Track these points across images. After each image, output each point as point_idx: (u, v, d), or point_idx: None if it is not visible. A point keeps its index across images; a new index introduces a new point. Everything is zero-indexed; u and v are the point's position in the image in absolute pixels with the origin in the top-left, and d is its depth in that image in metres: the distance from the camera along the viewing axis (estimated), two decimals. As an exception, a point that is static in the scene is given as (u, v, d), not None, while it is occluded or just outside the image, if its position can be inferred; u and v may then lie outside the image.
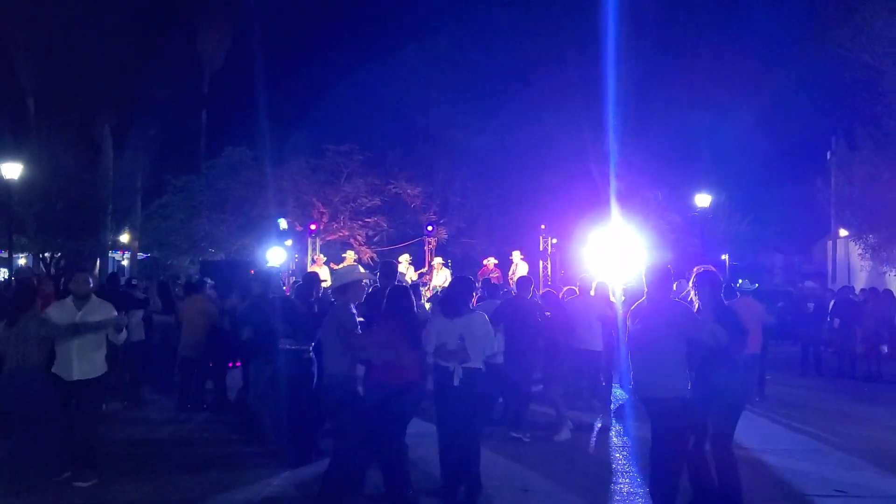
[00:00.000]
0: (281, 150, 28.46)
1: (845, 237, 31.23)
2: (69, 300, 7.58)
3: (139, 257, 32.94)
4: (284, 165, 28.30)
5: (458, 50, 32.12)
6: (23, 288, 7.88)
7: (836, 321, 16.34)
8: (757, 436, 9.23)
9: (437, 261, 20.56)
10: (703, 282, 6.50)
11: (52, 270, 25.50)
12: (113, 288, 12.05)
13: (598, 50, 23.07)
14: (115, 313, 7.53)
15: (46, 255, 26.27)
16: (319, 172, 28.85)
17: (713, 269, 6.80)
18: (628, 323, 6.64)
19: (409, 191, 29.39)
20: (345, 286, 6.91)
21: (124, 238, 33.67)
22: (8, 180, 22.50)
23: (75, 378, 7.20)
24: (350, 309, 6.79)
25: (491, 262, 19.76)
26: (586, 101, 25.70)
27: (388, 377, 6.47)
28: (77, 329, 7.22)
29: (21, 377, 7.01)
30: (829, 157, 29.76)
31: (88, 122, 28.99)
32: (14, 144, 25.01)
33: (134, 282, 16.20)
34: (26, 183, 24.19)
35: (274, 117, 28.36)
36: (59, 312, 7.41)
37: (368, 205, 28.86)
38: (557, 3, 28.30)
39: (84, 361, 7.25)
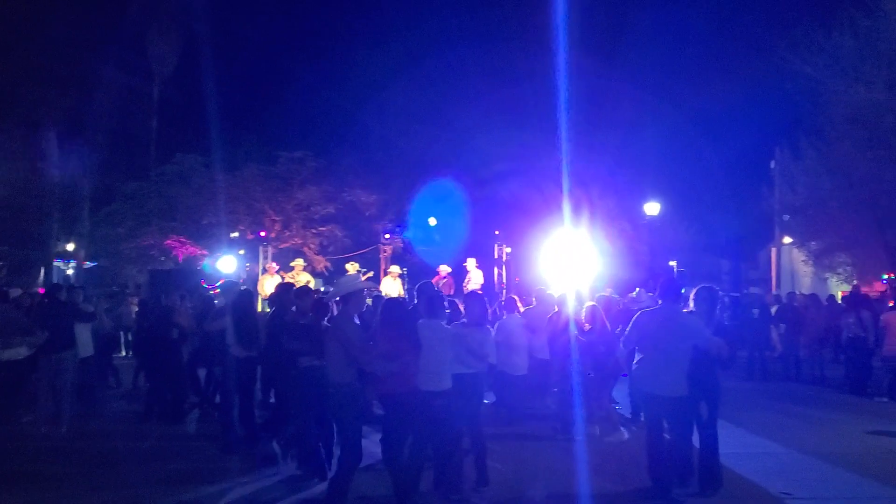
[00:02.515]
0: (233, 156, 28.12)
1: (789, 244, 32.02)
2: None
3: (86, 266, 32.26)
4: (236, 172, 28.00)
5: (411, 58, 32.29)
6: None
7: (782, 326, 16.82)
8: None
9: (394, 269, 20.49)
10: (705, 297, 7.73)
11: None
12: (54, 300, 11.25)
13: (550, 61, 23.34)
14: None
15: (-10, 263, 25.66)
16: (272, 179, 28.55)
17: (715, 287, 7.99)
18: (633, 328, 7.66)
19: (363, 199, 29.25)
20: (347, 296, 7.00)
21: (70, 246, 32.97)
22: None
23: None
24: (353, 319, 6.91)
25: (444, 269, 19.72)
26: (539, 110, 26.02)
27: (395, 387, 6.63)
28: None
29: None
30: (772, 165, 30.47)
31: (34, 129, 28.37)
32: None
33: (74, 283, 16.03)
34: (-31, 190, 23.66)
35: (225, 123, 28.11)
36: None
37: (322, 213, 28.62)
38: (510, 14, 28.60)
39: None
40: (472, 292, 10.15)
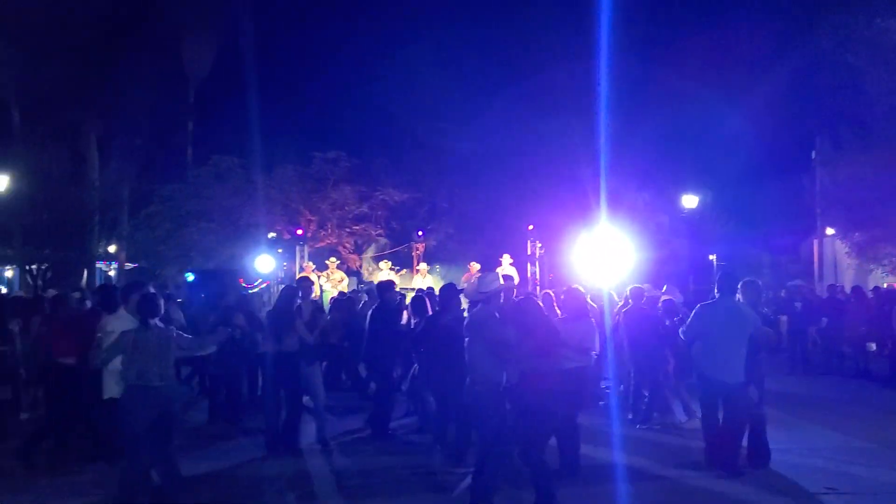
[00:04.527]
0: (268, 157, 28.34)
1: (831, 236, 31.39)
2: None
3: (127, 267, 32.75)
4: (272, 173, 28.23)
5: (444, 54, 32.24)
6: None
7: (824, 320, 16.49)
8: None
9: (423, 266, 20.54)
10: (750, 289, 8.25)
11: (39, 282, 25.36)
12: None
13: (585, 52, 23.16)
14: None
15: (33, 266, 26.09)
16: (307, 180, 28.81)
17: (757, 280, 8.60)
18: (696, 318, 8.15)
19: (395, 197, 29.36)
20: (488, 294, 7.07)
21: (111, 248, 33.51)
22: (-6, 192, 22.44)
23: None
24: (496, 318, 6.97)
25: (475, 267, 19.62)
26: (574, 103, 25.77)
27: (543, 384, 6.70)
28: None
29: None
30: (813, 156, 29.94)
31: (74, 132, 28.84)
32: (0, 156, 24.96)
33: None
34: (12, 194, 24.12)
35: (261, 125, 28.25)
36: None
37: (356, 212, 28.83)
38: (545, 6, 28.32)
39: None
40: (571, 287, 10.24)
